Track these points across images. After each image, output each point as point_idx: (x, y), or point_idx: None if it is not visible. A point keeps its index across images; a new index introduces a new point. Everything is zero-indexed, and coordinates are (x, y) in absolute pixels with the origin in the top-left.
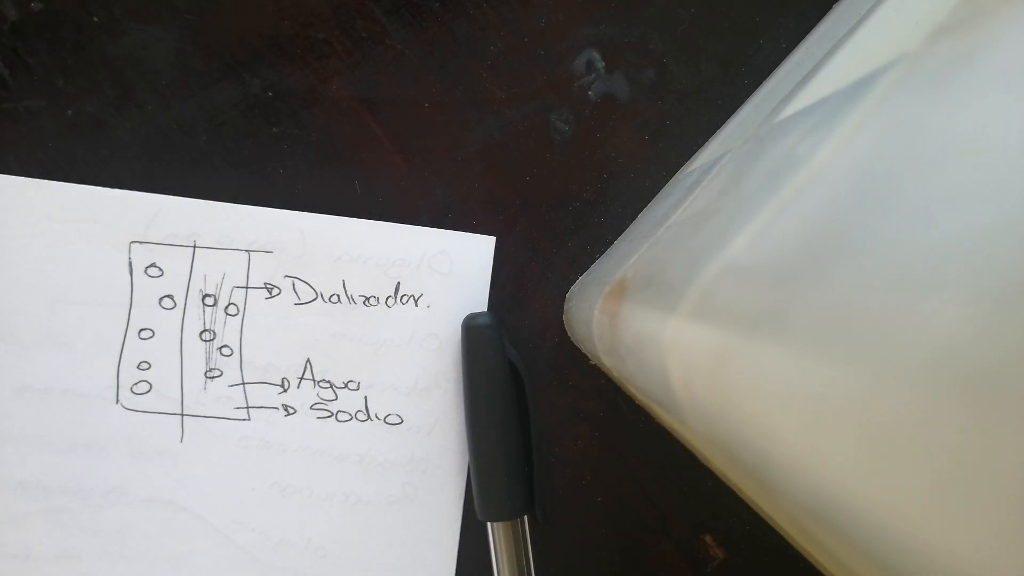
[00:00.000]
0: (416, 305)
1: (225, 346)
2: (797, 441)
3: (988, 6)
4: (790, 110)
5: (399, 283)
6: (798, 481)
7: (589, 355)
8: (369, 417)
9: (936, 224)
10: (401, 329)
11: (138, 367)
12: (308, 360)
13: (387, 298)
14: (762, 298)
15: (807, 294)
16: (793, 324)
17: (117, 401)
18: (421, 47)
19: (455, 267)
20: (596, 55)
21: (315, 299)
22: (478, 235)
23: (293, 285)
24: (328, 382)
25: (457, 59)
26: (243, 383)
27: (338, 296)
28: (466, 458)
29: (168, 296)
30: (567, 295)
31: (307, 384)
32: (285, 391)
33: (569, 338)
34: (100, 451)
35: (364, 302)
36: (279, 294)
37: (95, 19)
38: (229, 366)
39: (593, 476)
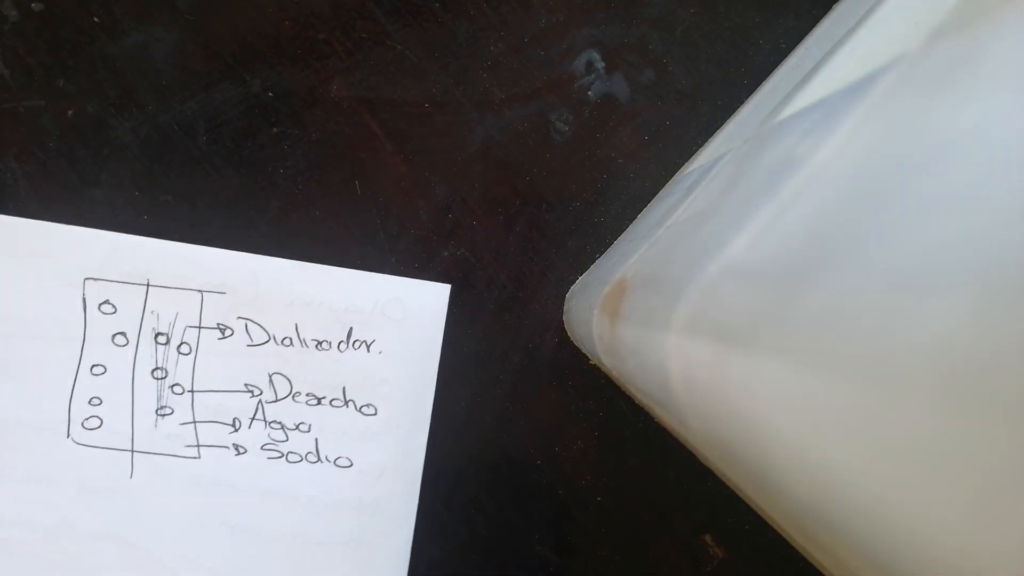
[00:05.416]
0: (368, 351)
1: (177, 384)
2: (797, 443)
3: (988, 6)
4: (790, 110)
5: (351, 328)
6: (798, 482)
7: (589, 355)
8: (319, 459)
9: (936, 225)
10: (352, 374)
11: (89, 402)
12: (260, 401)
13: (339, 343)
14: (762, 298)
15: (807, 295)
16: (793, 325)
17: (68, 435)
18: (421, 48)
19: (408, 314)
20: (596, 55)
21: (268, 341)
22: (433, 283)
23: (246, 326)
24: (279, 423)
25: (457, 59)
26: (194, 421)
27: (290, 339)
28: (414, 503)
29: (121, 333)
30: (567, 295)
31: (258, 424)
32: (236, 431)
33: (569, 338)
34: (50, 484)
35: (316, 346)
36: (232, 335)
37: (95, 19)
38: (180, 404)
39: (593, 476)
